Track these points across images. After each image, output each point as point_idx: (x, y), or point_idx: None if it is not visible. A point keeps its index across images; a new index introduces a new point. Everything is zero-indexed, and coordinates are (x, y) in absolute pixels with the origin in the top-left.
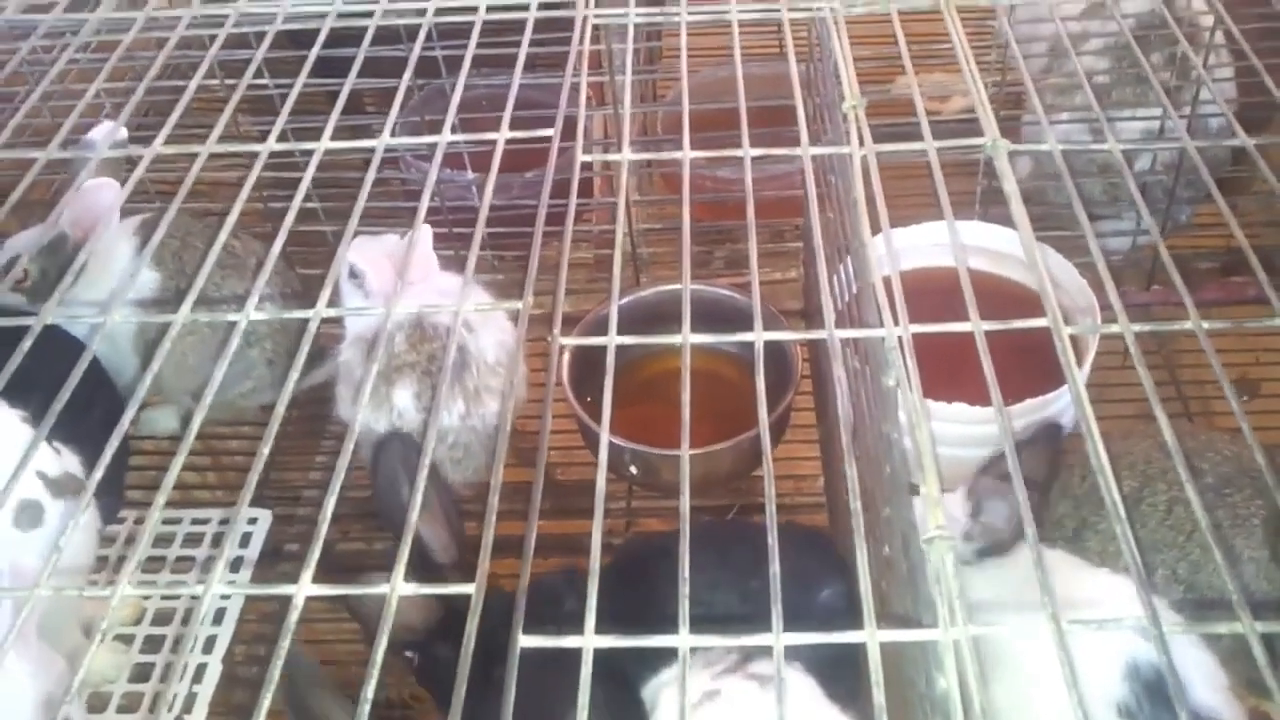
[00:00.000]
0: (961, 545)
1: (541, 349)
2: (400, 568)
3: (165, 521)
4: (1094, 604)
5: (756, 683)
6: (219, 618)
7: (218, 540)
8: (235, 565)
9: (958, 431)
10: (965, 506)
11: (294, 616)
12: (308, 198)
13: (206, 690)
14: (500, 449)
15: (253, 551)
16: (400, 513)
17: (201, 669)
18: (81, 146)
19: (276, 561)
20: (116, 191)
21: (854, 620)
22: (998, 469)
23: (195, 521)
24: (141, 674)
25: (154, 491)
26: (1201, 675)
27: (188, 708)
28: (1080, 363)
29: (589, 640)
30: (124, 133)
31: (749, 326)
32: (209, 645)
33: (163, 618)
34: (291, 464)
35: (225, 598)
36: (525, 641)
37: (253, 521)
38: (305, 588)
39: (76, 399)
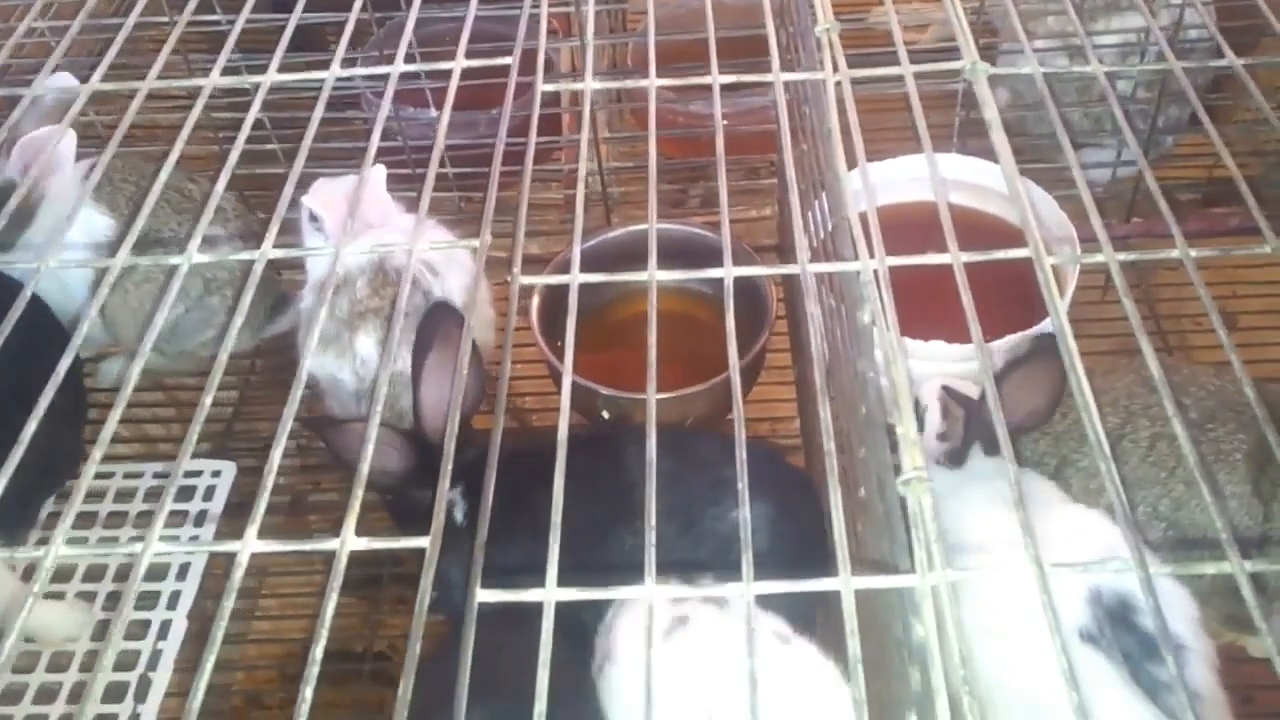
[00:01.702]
0: (935, 444)
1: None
2: (351, 519)
3: (126, 475)
4: (1064, 540)
5: (716, 606)
6: (183, 573)
7: (181, 494)
8: (200, 519)
9: (936, 369)
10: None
11: (238, 575)
12: (266, 139)
13: (172, 647)
14: (456, 397)
15: (216, 505)
16: (417, 378)
17: (166, 625)
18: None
19: (244, 514)
20: (72, 140)
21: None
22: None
23: (157, 475)
24: (105, 632)
25: (122, 444)
26: (1170, 606)
27: (153, 665)
28: (1060, 295)
29: (550, 593)
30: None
31: (721, 264)
32: (173, 601)
33: (125, 573)
34: (260, 414)
35: (189, 554)
36: (483, 596)
37: (216, 474)
38: (250, 544)
39: (25, 350)
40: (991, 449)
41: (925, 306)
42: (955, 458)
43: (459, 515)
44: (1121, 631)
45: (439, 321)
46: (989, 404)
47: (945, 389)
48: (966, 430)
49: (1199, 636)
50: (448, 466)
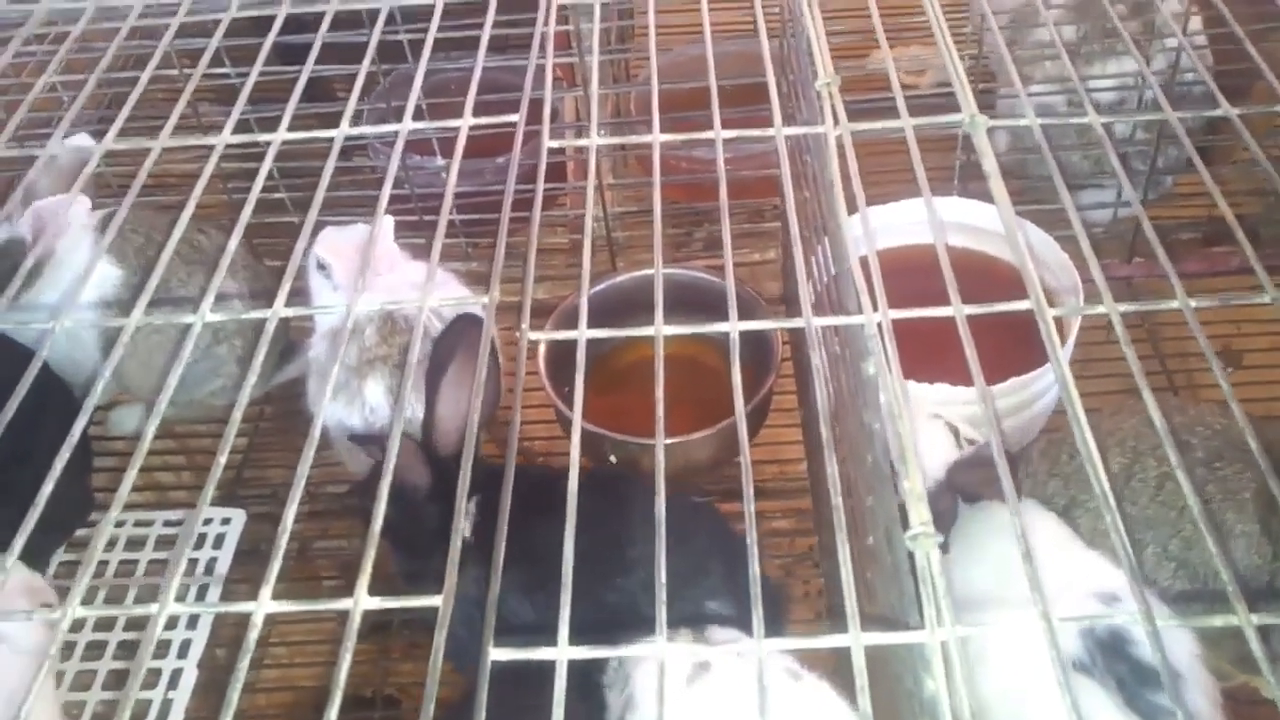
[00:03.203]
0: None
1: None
2: (364, 578)
3: (137, 524)
4: (1064, 584)
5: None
6: (193, 622)
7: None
8: (210, 567)
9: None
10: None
11: (253, 635)
12: (275, 188)
13: (182, 697)
14: (468, 450)
15: (226, 553)
16: (434, 390)
17: (177, 674)
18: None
19: (254, 561)
20: (86, 209)
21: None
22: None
23: (168, 523)
24: (118, 681)
25: (132, 492)
26: (1169, 642)
27: (164, 714)
28: (1063, 341)
29: (563, 652)
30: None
31: (727, 311)
32: (184, 650)
33: (136, 623)
34: (270, 461)
35: (194, 617)
36: (495, 654)
37: (226, 522)
38: (265, 605)
39: (26, 406)
40: (969, 499)
41: (928, 348)
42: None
43: (468, 529)
44: (1113, 660)
45: (462, 333)
46: (994, 452)
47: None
48: (940, 518)
49: (1195, 668)
50: (464, 489)
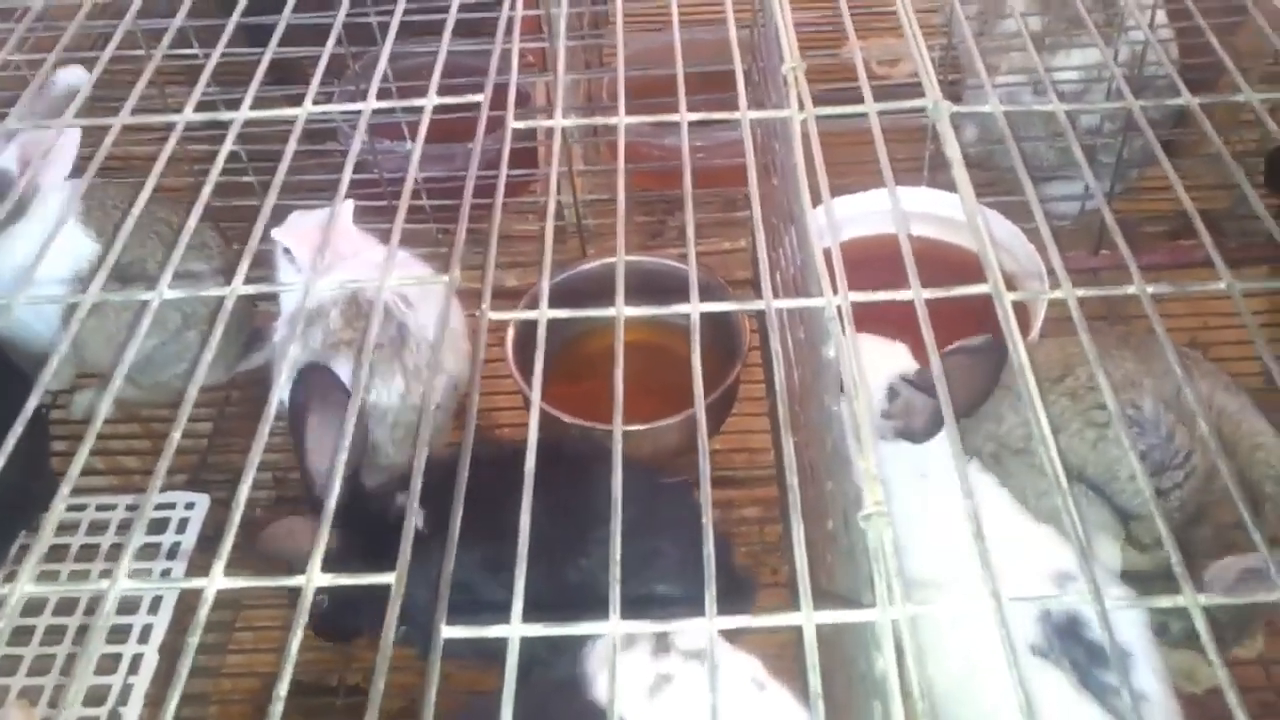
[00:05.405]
0: (880, 421)
1: (489, 325)
2: (317, 556)
3: (99, 508)
4: (1018, 564)
5: (698, 661)
6: (154, 607)
7: (154, 526)
8: (173, 552)
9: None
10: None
11: (204, 611)
12: (243, 171)
13: (142, 681)
14: (423, 432)
15: (190, 538)
16: (302, 445)
17: (138, 659)
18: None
19: (218, 547)
20: (76, 142)
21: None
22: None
23: (130, 508)
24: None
25: (96, 476)
26: (1122, 616)
27: (123, 699)
28: (1029, 328)
29: (515, 629)
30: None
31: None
32: (145, 635)
33: (95, 607)
34: (235, 446)
35: (157, 589)
36: (448, 632)
37: (190, 507)
38: (217, 580)
39: None
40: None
41: (899, 337)
42: (911, 438)
43: (420, 521)
44: (1070, 643)
45: (315, 386)
46: (947, 421)
47: (903, 378)
48: (929, 417)
49: (1147, 646)
50: (330, 506)
